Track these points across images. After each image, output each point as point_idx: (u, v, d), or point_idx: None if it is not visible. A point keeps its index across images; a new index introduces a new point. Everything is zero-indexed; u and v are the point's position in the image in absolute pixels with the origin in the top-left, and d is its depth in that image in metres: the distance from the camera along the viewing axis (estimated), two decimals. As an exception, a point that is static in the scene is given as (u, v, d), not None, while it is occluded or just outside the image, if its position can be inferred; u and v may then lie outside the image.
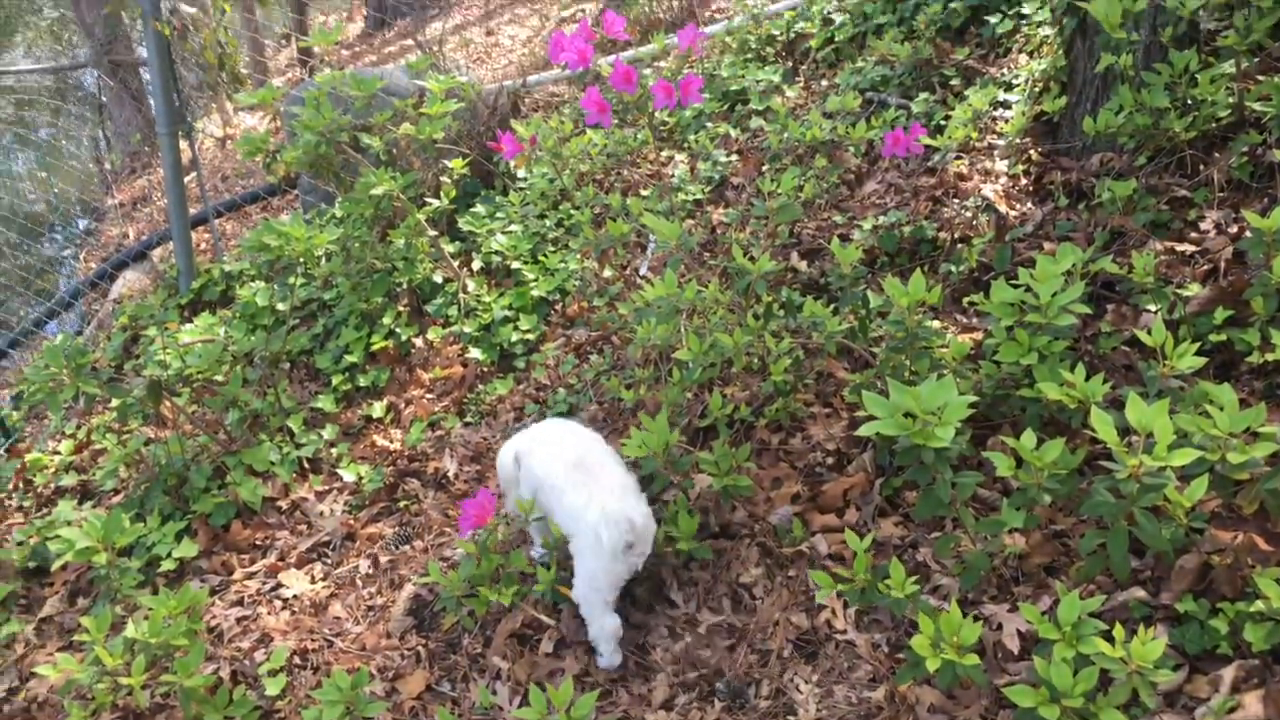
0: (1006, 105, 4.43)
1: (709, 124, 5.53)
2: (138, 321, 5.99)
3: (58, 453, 4.95)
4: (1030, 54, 4.69)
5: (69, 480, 4.66)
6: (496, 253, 4.98)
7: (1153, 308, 3.05)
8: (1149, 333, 2.59)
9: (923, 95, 4.66)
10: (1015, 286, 2.70)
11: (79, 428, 5.15)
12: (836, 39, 5.66)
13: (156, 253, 7.63)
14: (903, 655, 2.60)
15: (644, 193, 5.03)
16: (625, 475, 2.93)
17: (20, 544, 4.17)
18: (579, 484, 2.85)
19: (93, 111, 12.86)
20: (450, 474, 3.99)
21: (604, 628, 2.81)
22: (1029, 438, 2.31)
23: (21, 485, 4.80)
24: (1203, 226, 3.35)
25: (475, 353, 4.55)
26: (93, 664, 3.02)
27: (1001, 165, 4.21)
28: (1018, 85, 4.46)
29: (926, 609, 2.30)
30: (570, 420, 3.45)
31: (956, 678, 2.17)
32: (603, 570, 2.77)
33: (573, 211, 5.04)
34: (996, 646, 2.48)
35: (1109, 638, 2.03)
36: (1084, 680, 1.98)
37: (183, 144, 5.90)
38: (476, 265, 5.03)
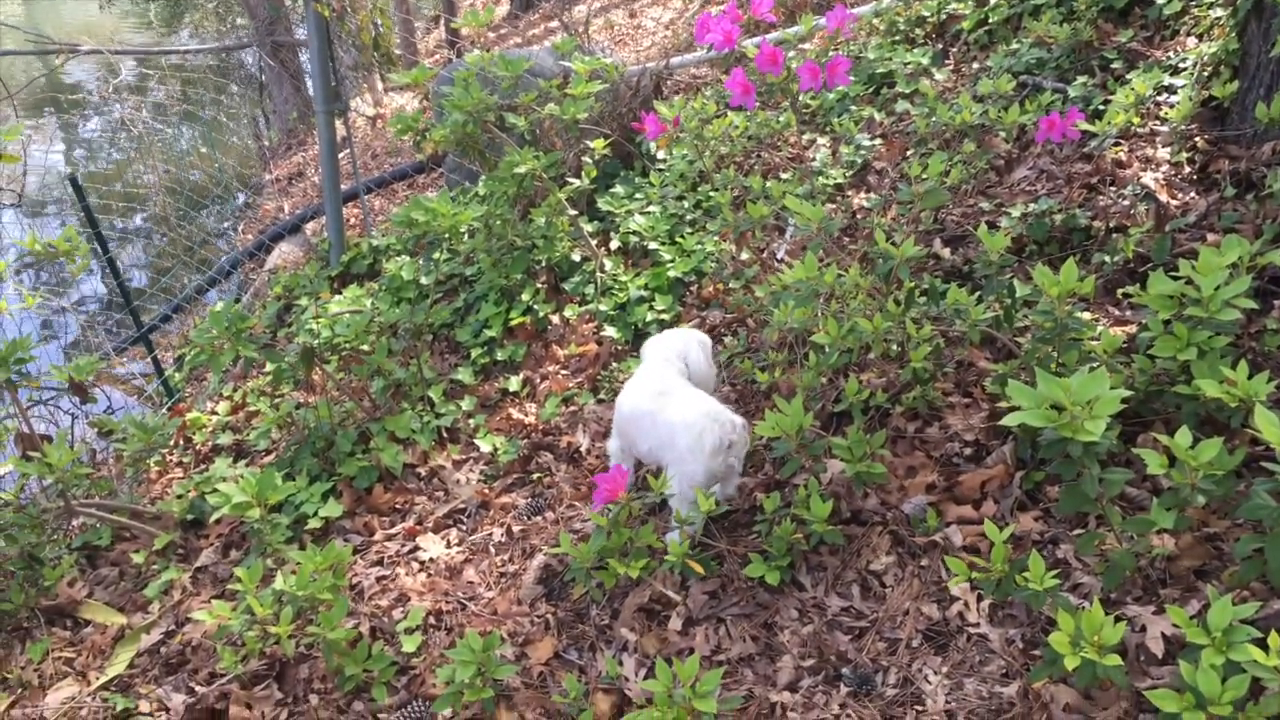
0: (1172, 90, 4.22)
1: (853, 107, 5.45)
2: (291, 291, 6.27)
3: (215, 413, 5.23)
4: (1199, 37, 4.46)
5: (225, 439, 4.92)
6: (634, 233, 5.02)
7: (1325, 305, 2.88)
8: (1321, 330, 2.45)
9: (1081, 79, 4.49)
10: (1175, 279, 2.59)
11: (235, 390, 5.43)
12: (990, 20, 5.49)
13: (309, 226, 7.98)
14: (1038, 652, 2.54)
15: (784, 176, 4.99)
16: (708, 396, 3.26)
17: (179, 497, 4.43)
18: (671, 403, 3.17)
19: (253, 90, 13.46)
20: (583, 449, 4.06)
21: (692, 514, 3.00)
22: (1184, 435, 2.21)
23: (182, 442, 5.10)
24: (1385, 220, 3.14)
25: (610, 331, 4.60)
26: (244, 612, 3.19)
27: (1164, 153, 4.02)
28: (1185, 69, 4.26)
29: (1066, 606, 2.24)
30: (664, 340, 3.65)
31: (1095, 678, 2.10)
32: (703, 470, 3.04)
33: (712, 193, 5.04)
34: (1139, 649, 2.39)
35: (1263, 646, 1.94)
36: (1233, 688, 1.89)
37: (337, 123, 6.13)
38: (614, 245, 5.08)
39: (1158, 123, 4.19)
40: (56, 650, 3.81)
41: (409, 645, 3.28)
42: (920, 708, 2.54)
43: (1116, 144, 4.16)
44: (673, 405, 3.17)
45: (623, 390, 3.46)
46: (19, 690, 3.63)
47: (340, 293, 5.79)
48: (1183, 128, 3.95)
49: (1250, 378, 2.31)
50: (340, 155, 6.50)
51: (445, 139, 4.83)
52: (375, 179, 8.28)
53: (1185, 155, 3.92)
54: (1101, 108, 4.26)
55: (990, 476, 3.06)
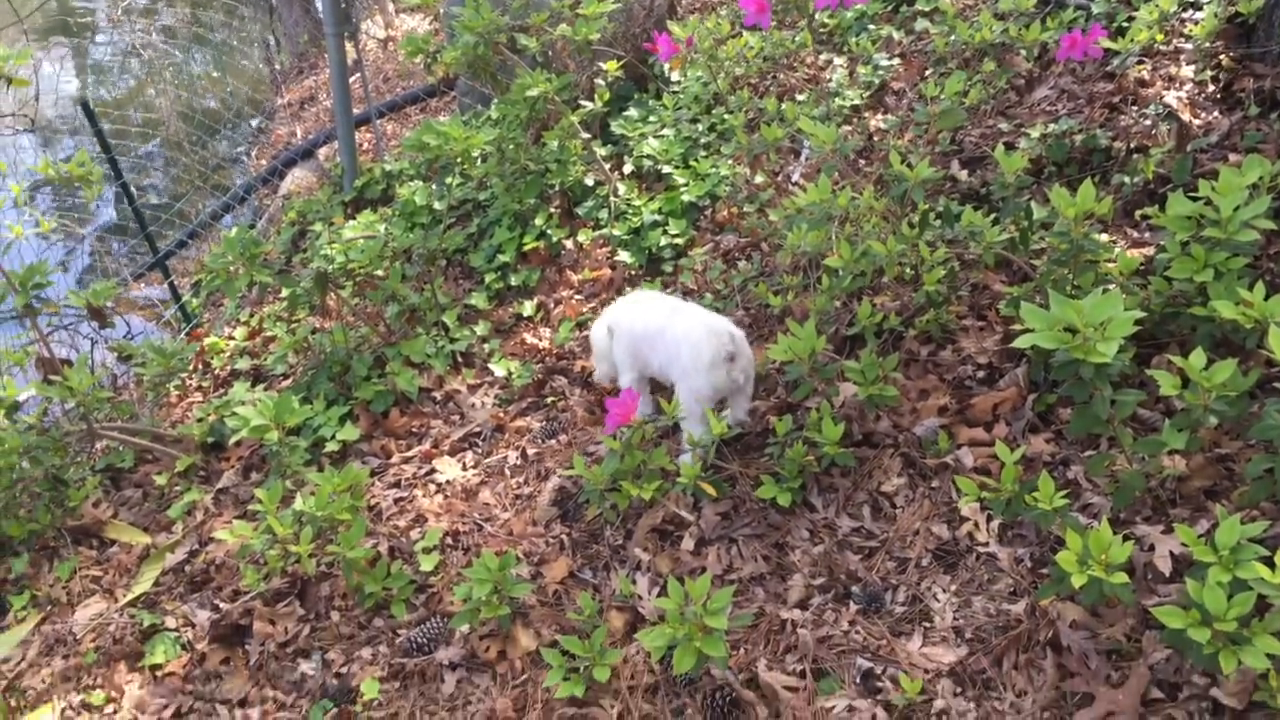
0: (1197, 6, 4.12)
1: (871, 26, 5.34)
2: (305, 217, 6.26)
3: (233, 338, 5.27)
4: (1227, -50, 4.33)
5: (243, 364, 4.97)
6: (648, 156, 4.98)
7: (1346, 226, 2.83)
8: (1341, 251, 2.42)
9: (1104, -5, 4.38)
10: (1194, 199, 2.55)
11: (252, 315, 5.46)
12: (1012, -65, 5.34)
13: (322, 151, 7.93)
14: (1046, 571, 2.57)
15: (800, 97, 4.92)
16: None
17: (200, 420, 4.49)
18: (679, 319, 3.24)
19: (263, 13, 13.27)
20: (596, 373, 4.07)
21: (704, 437, 3.05)
22: (1198, 357, 2.21)
23: (201, 367, 5.15)
24: None
25: (624, 256, 4.59)
26: (265, 532, 3.25)
27: (1187, 71, 3.94)
28: (1211, -16, 4.15)
29: (1075, 525, 2.26)
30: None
31: (1102, 595, 2.13)
32: (706, 383, 3.09)
33: (726, 116, 4.98)
34: (1147, 567, 2.42)
35: (1269, 564, 1.95)
36: (1239, 604, 1.91)
37: (348, 45, 6.05)
38: (628, 169, 5.04)
39: (1182, 40, 4.09)
40: (84, 569, 3.90)
41: (427, 564, 3.34)
42: (928, 624, 2.58)
43: (1139, 62, 4.08)
44: (680, 321, 3.24)
45: (624, 318, 3.48)
46: (49, 607, 3.73)
47: (354, 218, 5.78)
48: (1207, 45, 3.87)
49: (1267, 299, 2.30)
50: (351, 79, 6.43)
51: (456, 61, 4.77)
52: (387, 103, 8.20)
53: (1209, 74, 3.84)
54: (1125, 25, 4.16)
55: (1002, 399, 3.07)
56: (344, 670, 3.10)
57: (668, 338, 3.25)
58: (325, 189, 6.53)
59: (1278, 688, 1.97)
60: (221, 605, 3.47)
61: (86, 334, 5.76)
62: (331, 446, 4.07)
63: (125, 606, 3.62)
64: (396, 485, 3.85)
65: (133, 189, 6.07)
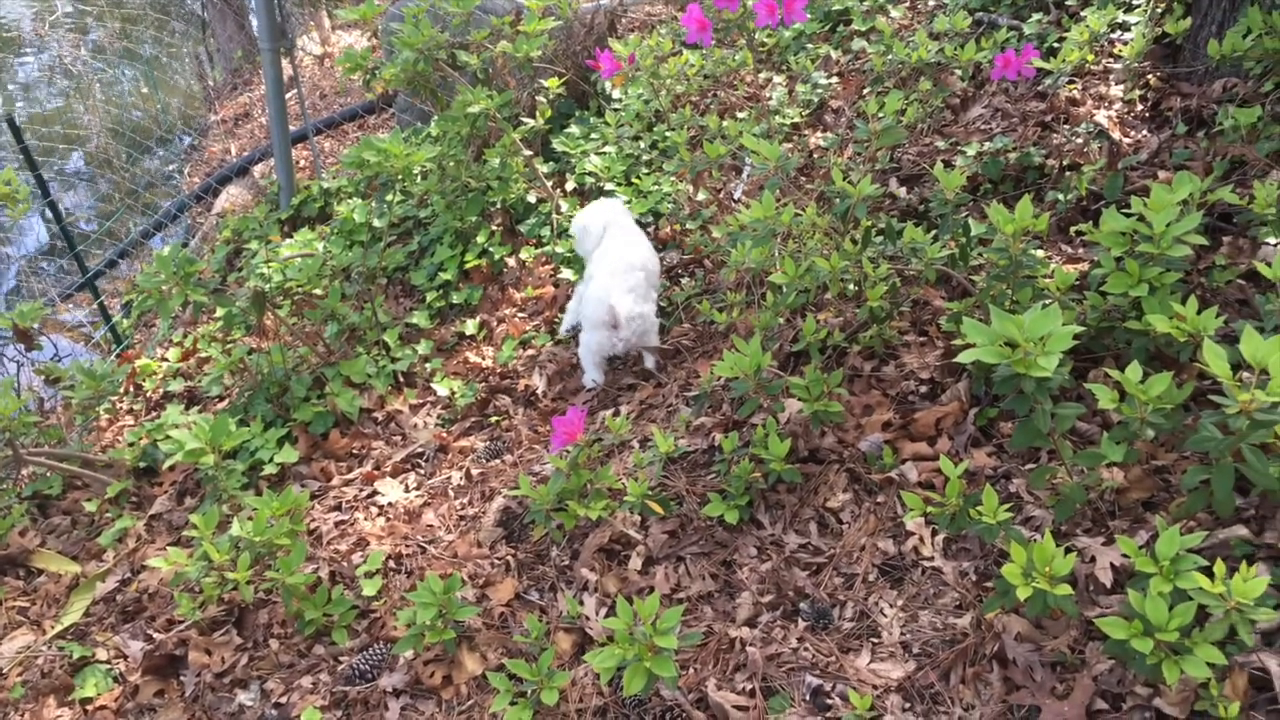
0: (1125, 27, 4.23)
1: (809, 45, 5.40)
2: (240, 235, 6.15)
3: (166, 359, 5.14)
4: (1153, -27, 4.46)
5: (176, 386, 4.85)
6: (590, 174, 4.97)
7: (1272, 240, 2.92)
8: (1269, 265, 2.48)
9: (1036, 16, 4.48)
10: (1127, 215, 2.61)
11: (185, 336, 5.34)
12: (946, -43, 5.45)
13: (258, 169, 7.80)
14: (990, 584, 2.59)
15: (741, 115, 4.95)
16: (633, 278, 3.75)
17: (131, 444, 4.37)
18: (610, 280, 3.72)
19: (195, 28, 13.07)
20: (540, 391, 4.05)
21: (594, 380, 3.91)
22: (1134, 370, 2.24)
23: (132, 389, 5.01)
24: (1332, 157, 3.18)
25: (567, 273, 4.57)
26: (201, 559, 3.17)
27: (1117, 90, 4.04)
28: (1138, 6, 4.26)
29: (1018, 538, 2.28)
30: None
31: (1046, 607, 2.14)
32: (594, 340, 3.76)
33: (668, 133, 4.99)
34: (1089, 579, 2.45)
35: (1208, 574, 1.99)
36: (1180, 615, 1.94)
37: (283, 61, 5.97)
38: (570, 186, 5.03)
39: (1111, 60, 4.20)
40: (9, 600, 3.76)
41: (369, 589, 3.27)
42: (876, 640, 2.58)
43: (1071, 82, 4.17)
44: (603, 281, 3.73)
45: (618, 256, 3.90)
46: (-28, 641, 3.59)
47: (291, 236, 5.69)
48: (1136, 65, 3.97)
49: (1199, 313, 2.35)
50: (288, 95, 6.34)
51: (396, 78, 4.72)
52: (324, 120, 8.10)
53: (1138, 93, 3.94)
54: (1056, 45, 4.26)
55: (945, 414, 3.09)
56: (283, 700, 3.02)
57: (589, 287, 3.83)
58: (261, 207, 6.41)
59: (1219, 696, 2.00)
60: (155, 635, 3.37)
61: (12, 357, 5.59)
62: (269, 469, 3.98)
63: (54, 638, 3.50)
64: (337, 508, 3.78)
65: (61, 207, 5.91)
